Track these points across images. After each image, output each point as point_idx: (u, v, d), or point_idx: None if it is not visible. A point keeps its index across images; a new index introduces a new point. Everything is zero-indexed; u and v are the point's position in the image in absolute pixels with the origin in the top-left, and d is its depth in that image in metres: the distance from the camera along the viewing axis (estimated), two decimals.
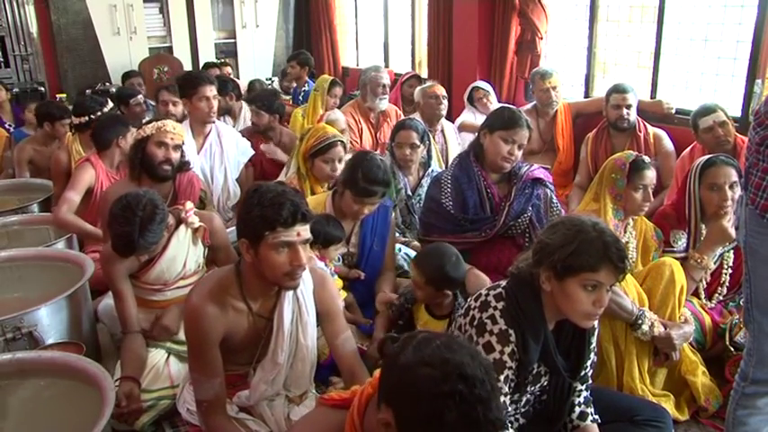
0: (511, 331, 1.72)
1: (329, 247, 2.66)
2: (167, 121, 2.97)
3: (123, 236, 2.27)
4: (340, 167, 3.11)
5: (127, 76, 6.13)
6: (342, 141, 3.18)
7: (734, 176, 2.52)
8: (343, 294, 2.70)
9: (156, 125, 2.92)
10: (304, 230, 1.78)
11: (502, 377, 1.71)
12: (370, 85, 4.47)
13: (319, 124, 3.38)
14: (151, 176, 2.91)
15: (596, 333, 1.90)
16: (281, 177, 3.42)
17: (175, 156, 2.94)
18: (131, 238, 2.26)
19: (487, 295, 1.80)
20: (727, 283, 2.71)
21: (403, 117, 4.32)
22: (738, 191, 2.46)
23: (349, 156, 3.11)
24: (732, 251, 2.68)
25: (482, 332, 1.74)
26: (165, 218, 2.37)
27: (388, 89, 4.51)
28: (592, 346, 1.87)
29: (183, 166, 3.04)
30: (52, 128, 4.31)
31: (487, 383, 1.20)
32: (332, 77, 5.15)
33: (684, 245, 2.66)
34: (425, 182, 3.47)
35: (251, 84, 5.58)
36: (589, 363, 1.89)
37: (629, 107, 3.84)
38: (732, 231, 2.51)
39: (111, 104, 4.05)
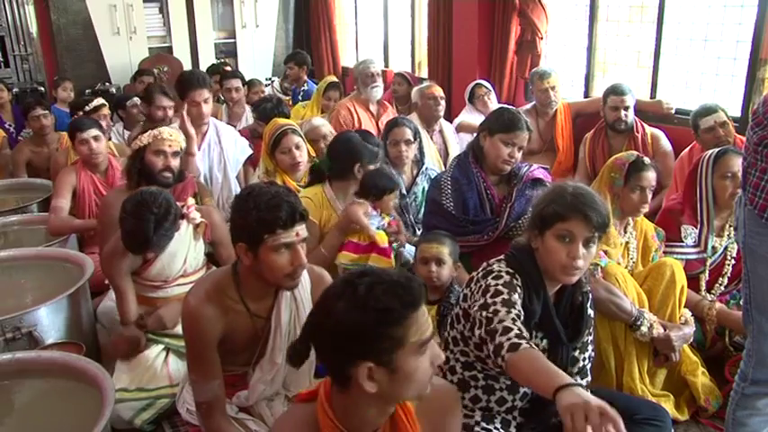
0: (516, 281, 1.77)
1: (383, 197, 2.77)
2: (163, 128, 2.86)
3: (137, 233, 2.26)
4: (300, 154, 3.21)
5: (139, 73, 6.04)
6: (294, 129, 3.26)
7: None
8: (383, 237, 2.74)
9: (152, 134, 2.81)
10: (302, 230, 1.79)
11: (513, 312, 1.69)
12: (360, 77, 4.59)
13: (272, 120, 3.45)
14: (152, 185, 2.76)
15: (591, 300, 1.91)
16: (254, 179, 3.48)
17: (175, 162, 2.85)
18: (147, 236, 2.25)
19: (489, 264, 1.85)
20: (729, 274, 2.70)
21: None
22: None
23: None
24: (736, 242, 2.68)
25: (487, 290, 1.75)
26: (177, 218, 2.37)
27: (378, 77, 4.59)
28: (588, 314, 1.89)
29: (182, 175, 2.93)
30: (29, 122, 4.34)
31: None
32: (332, 80, 5.18)
33: (695, 240, 2.66)
34: (420, 180, 3.47)
35: (248, 83, 5.59)
36: (587, 331, 1.90)
37: (626, 108, 3.83)
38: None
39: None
